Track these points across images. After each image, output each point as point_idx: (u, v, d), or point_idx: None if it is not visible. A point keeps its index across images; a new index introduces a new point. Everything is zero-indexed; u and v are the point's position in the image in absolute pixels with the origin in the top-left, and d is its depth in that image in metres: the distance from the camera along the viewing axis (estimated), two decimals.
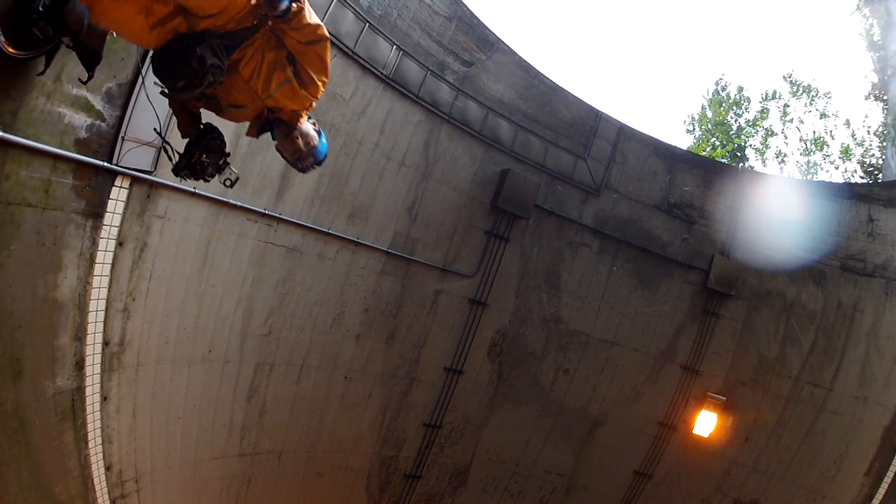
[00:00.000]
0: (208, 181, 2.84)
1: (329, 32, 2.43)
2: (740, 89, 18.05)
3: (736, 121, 17.87)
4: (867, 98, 14.80)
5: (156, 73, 2.41)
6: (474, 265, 7.01)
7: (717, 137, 17.64)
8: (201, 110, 2.68)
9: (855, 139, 16.23)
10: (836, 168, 16.50)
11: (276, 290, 5.61)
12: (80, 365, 3.92)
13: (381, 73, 5.71)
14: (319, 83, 2.50)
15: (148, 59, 3.28)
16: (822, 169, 16.88)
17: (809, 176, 16.84)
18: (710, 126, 17.89)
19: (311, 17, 2.32)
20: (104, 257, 3.90)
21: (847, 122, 17.04)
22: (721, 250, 7.86)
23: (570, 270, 7.53)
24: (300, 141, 2.65)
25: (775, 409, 7.73)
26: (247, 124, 2.67)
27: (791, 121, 17.53)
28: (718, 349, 7.84)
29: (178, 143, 2.80)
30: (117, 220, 3.91)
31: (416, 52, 6.00)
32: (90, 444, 4.17)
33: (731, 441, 7.80)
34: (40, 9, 2.54)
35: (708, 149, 17.42)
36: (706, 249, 7.85)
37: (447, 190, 6.65)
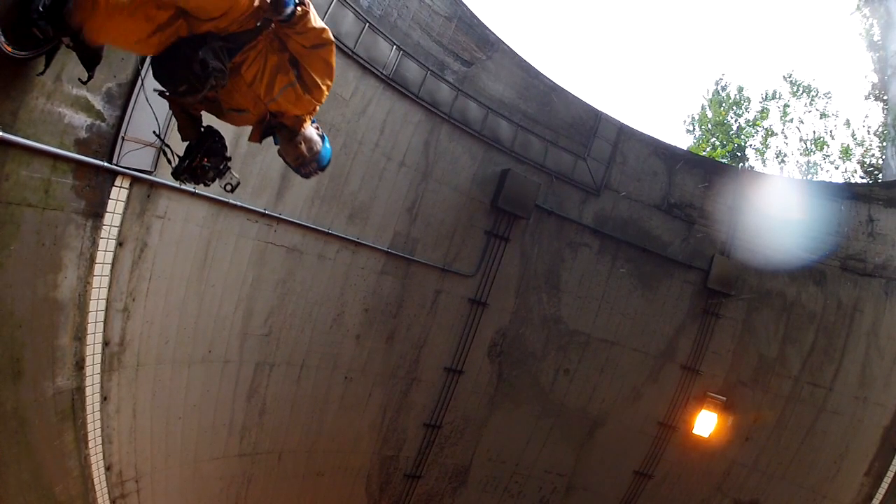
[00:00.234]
0: (208, 185, 2.80)
1: None
2: (740, 89, 18.07)
3: (736, 121, 17.87)
4: (867, 98, 14.81)
5: (156, 77, 2.36)
6: (474, 265, 7.01)
7: (717, 137, 17.65)
8: (202, 113, 2.64)
9: (855, 139, 16.25)
10: (836, 168, 16.52)
11: (276, 290, 5.61)
12: (80, 365, 3.92)
13: (381, 73, 5.71)
14: (324, 87, 2.44)
15: (147, 62, 3.26)
16: (822, 169, 16.90)
17: (809, 176, 16.84)
18: (710, 126, 17.89)
19: (316, 20, 2.27)
20: (104, 257, 3.90)
21: (847, 122, 17.08)
22: (721, 250, 7.86)
23: (570, 270, 7.53)
24: (303, 146, 2.59)
25: (775, 409, 7.73)
26: (249, 127, 2.61)
27: (791, 121, 17.54)
28: (718, 349, 7.84)
29: (178, 145, 2.78)
30: (117, 220, 3.91)
31: (416, 52, 6.00)
32: (90, 444, 4.17)
33: (731, 441, 7.79)
34: (40, 9, 2.53)
35: (708, 149, 17.42)
36: (706, 249, 7.85)
37: (447, 190, 6.64)
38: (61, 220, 3.49)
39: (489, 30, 6.64)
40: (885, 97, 13.79)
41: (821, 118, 17.28)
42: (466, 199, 6.80)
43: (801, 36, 42.59)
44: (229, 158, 2.78)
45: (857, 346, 7.54)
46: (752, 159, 17.55)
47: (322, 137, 2.70)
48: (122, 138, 3.65)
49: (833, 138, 17.01)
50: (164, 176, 4.05)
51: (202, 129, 2.69)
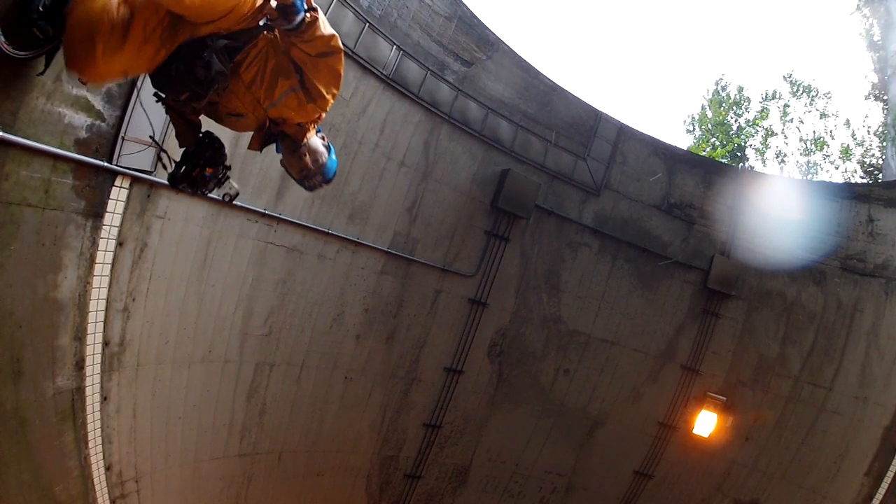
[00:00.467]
0: (206, 195, 2.66)
1: None
2: (740, 89, 18.07)
3: (736, 121, 17.88)
4: (867, 98, 14.81)
5: (156, 85, 2.21)
6: (474, 265, 7.01)
7: (717, 137, 17.65)
8: (201, 117, 2.49)
9: (855, 139, 16.25)
10: (836, 168, 16.52)
11: (276, 290, 5.61)
12: (80, 365, 3.92)
13: (381, 73, 5.71)
14: (329, 96, 2.26)
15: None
16: (822, 169, 16.90)
17: (809, 176, 16.84)
18: (710, 126, 17.90)
19: (325, 27, 2.09)
20: (104, 257, 3.90)
21: (847, 122, 17.10)
22: (721, 250, 7.86)
23: (570, 270, 7.53)
24: (308, 158, 2.40)
25: (775, 409, 7.73)
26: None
27: (791, 121, 17.54)
28: (718, 349, 7.84)
29: (176, 150, 2.71)
30: (117, 220, 3.90)
31: (416, 52, 6.00)
32: (90, 444, 4.16)
33: (731, 441, 7.79)
34: (40, 9, 2.53)
35: (708, 149, 17.42)
36: (706, 249, 7.85)
37: (447, 190, 6.64)
38: (61, 220, 3.49)
39: (489, 30, 6.64)
40: (885, 97, 13.79)
41: (821, 118, 17.29)
42: (466, 199, 6.80)
43: (801, 36, 42.62)
44: (229, 167, 2.62)
45: (857, 346, 7.54)
46: (752, 159, 17.57)
47: (328, 148, 2.51)
48: (122, 138, 3.65)
49: (833, 138, 17.03)
50: (164, 176, 4.05)
51: (201, 135, 2.54)
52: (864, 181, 14.55)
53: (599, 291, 7.67)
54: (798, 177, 16.68)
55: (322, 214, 5.73)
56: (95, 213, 3.72)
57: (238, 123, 2.36)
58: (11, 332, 3.39)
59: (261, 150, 2.49)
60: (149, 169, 3.97)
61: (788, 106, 17.57)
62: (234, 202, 4.84)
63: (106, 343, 4.13)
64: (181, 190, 2.58)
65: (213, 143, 2.53)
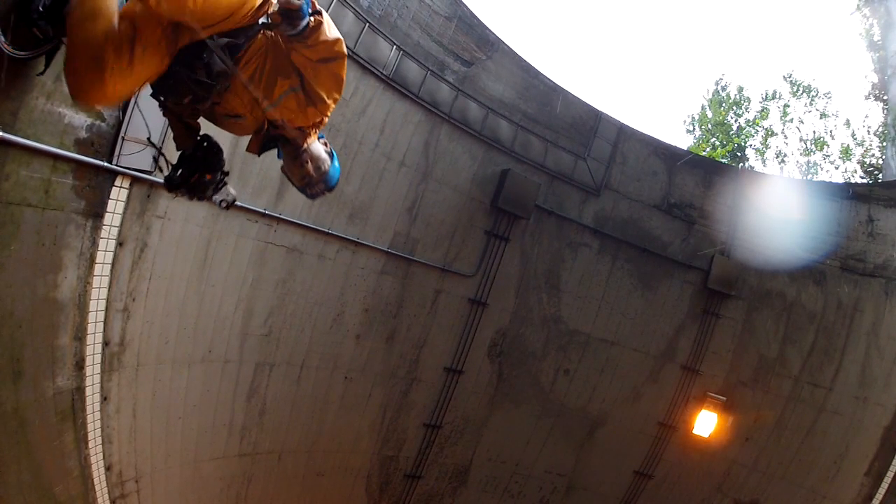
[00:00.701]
0: (203, 200, 2.60)
1: None
2: (740, 89, 18.05)
3: (736, 121, 17.86)
4: (867, 98, 14.80)
5: (156, 90, 2.15)
6: (474, 265, 7.01)
7: (717, 137, 17.64)
8: (199, 120, 2.45)
9: (855, 139, 16.24)
10: (836, 168, 16.50)
11: (276, 291, 5.61)
12: (80, 365, 3.92)
13: (381, 73, 5.71)
14: (330, 101, 2.18)
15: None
16: (822, 169, 16.88)
17: (809, 176, 16.83)
18: (710, 126, 17.89)
19: (330, 30, 2.02)
20: (104, 257, 3.90)
21: (847, 122, 17.05)
22: (721, 250, 7.86)
23: (570, 270, 7.53)
24: (309, 165, 2.31)
25: (775, 409, 7.73)
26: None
27: (791, 121, 17.53)
28: (718, 349, 7.84)
29: (174, 153, 2.66)
30: (117, 220, 3.90)
31: (416, 52, 6.00)
32: (90, 444, 4.17)
33: (731, 441, 7.79)
34: (40, 9, 2.53)
35: (708, 149, 17.41)
36: (706, 249, 7.85)
37: (447, 190, 6.64)
38: (61, 220, 3.49)
39: (489, 30, 6.64)
40: (885, 97, 13.79)
41: (821, 118, 17.27)
42: (466, 199, 6.80)
43: (801, 36, 42.59)
44: (227, 173, 2.56)
45: (857, 347, 7.54)
46: (752, 159, 17.54)
47: (331, 154, 2.43)
48: (122, 138, 3.65)
49: (833, 138, 17.01)
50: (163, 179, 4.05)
51: (199, 138, 2.47)
52: (864, 181, 14.55)
53: (599, 291, 7.67)
54: (798, 177, 16.67)
55: (322, 214, 5.73)
56: (95, 213, 3.72)
57: (236, 125, 2.29)
58: (11, 332, 3.39)
59: (259, 154, 2.42)
60: (149, 169, 3.96)
61: (788, 106, 17.56)
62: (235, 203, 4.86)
63: (106, 343, 4.13)
64: (179, 195, 2.51)
65: (212, 147, 2.46)
